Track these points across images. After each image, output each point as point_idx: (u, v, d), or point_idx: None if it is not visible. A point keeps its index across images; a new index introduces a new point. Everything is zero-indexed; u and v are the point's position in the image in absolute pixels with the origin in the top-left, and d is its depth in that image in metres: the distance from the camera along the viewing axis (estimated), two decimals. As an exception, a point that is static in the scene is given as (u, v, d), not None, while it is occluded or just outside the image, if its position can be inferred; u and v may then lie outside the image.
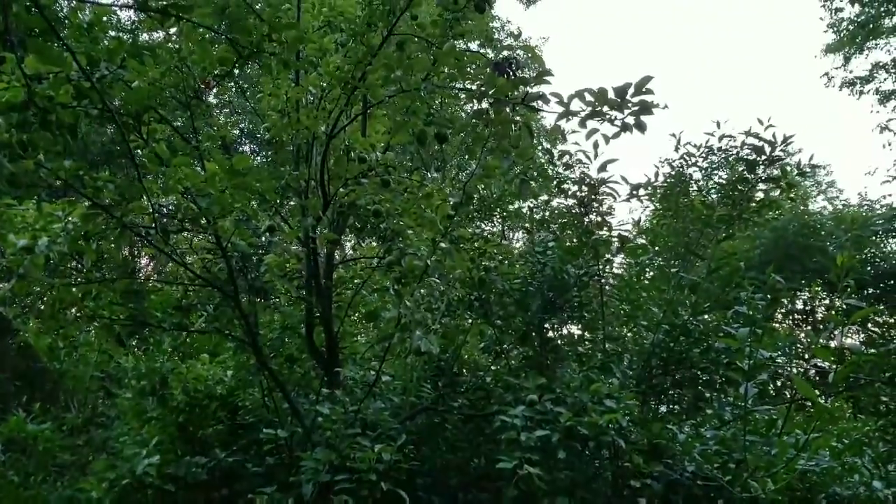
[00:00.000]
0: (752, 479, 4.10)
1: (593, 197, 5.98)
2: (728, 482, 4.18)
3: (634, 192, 5.97)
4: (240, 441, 5.57)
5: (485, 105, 4.23)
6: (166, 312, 5.70)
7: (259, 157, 17.86)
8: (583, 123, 3.78)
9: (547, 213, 7.30)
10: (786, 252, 14.58)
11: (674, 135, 7.84)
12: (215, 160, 4.81)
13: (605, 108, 3.72)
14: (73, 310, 5.49)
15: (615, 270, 6.64)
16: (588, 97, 3.73)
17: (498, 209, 9.82)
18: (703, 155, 7.78)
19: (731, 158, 6.52)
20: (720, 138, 7.12)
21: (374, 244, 7.96)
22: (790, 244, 14.77)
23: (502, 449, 4.47)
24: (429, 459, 5.50)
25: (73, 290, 5.29)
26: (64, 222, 5.02)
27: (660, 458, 4.43)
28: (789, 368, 5.17)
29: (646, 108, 3.61)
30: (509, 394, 5.35)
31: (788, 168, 6.02)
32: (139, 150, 4.97)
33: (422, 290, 4.88)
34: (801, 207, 16.07)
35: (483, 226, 9.96)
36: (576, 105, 3.79)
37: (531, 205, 8.17)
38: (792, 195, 6.22)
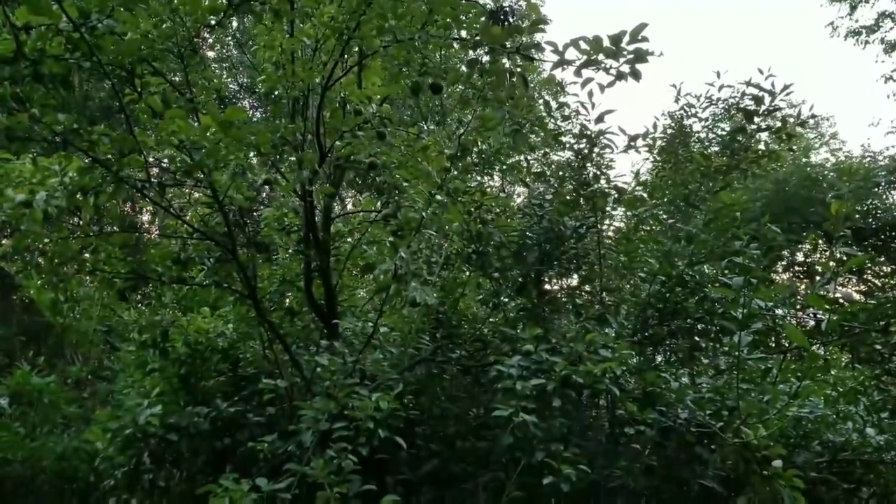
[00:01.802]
0: (744, 426, 4.16)
1: (591, 149, 5.94)
2: (720, 429, 4.25)
3: (633, 144, 5.92)
4: (241, 392, 5.66)
5: (480, 54, 4.18)
6: (166, 266, 5.72)
7: (258, 112, 17.72)
8: (578, 72, 3.75)
9: (545, 166, 7.28)
10: (787, 204, 14.53)
11: (674, 85, 7.77)
12: (210, 113, 4.78)
13: (601, 57, 3.68)
14: (73, 264, 5.52)
15: (613, 223, 6.65)
16: (583, 45, 3.69)
17: (497, 163, 9.77)
18: (704, 106, 7.72)
19: (730, 109, 6.46)
20: (720, 88, 7.06)
21: (371, 198, 7.95)
22: (791, 196, 14.72)
23: (499, 398, 4.53)
24: (427, 409, 5.59)
25: (72, 244, 5.31)
26: (61, 177, 5.02)
27: (653, 406, 4.50)
28: (787, 319, 5.20)
29: (641, 56, 3.58)
30: (506, 344, 5.41)
31: (790, 119, 5.97)
32: (133, 104, 4.94)
33: (419, 244, 4.90)
34: (803, 159, 15.98)
35: (481, 179, 9.93)
36: (571, 54, 3.76)
37: (529, 158, 8.11)
38: (793, 146, 6.18)
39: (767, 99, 5.69)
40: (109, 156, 4.65)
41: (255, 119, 15.81)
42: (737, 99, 6.08)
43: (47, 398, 7.40)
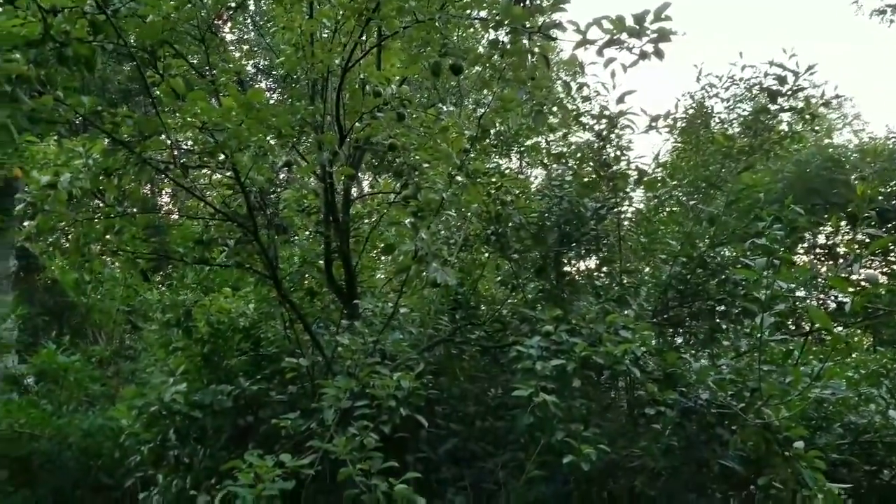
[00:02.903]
0: (765, 407, 4.16)
1: (611, 129, 5.90)
2: (741, 409, 4.25)
3: (654, 124, 5.88)
4: (263, 371, 5.72)
5: (501, 35, 4.16)
6: (188, 247, 5.79)
7: (275, 95, 17.72)
8: (600, 52, 3.73)
9: (564, 147, 7.25)
10: (808, 185, 14.38)
11: (696, 66, 7.70)
12: (231, 94, 4.81)
13: (623, 36, 3.66)
14: (97, 245, 5.60)
15: (633, 204, 6.62)
16: (606, 25, 3.67)
17: (515, 144, 9.74)
18: (726, 86, 7.65)
19: (752, 89, 6.39)
20: (742, 68, 6.98)
21: (390, 180, 7.95)
22: (813, 177, 14.56)
23: (518, 378, 4.56)
24: (447, 389, 5.63)
25: (97, 225, 5.38)
26: (85, 158, 5.08)
27: (674, 387, 4.50)
28: (808, 301, 5.17)
29: (664, 35, 3.55)
30: (525, 325, 5.42)
31: (813, 99, 5.90)
32: (155, 86, 4.97)
33: (439, 225, 4.90)
34: (826, 140, 15.77)
35: (500, 161, 9.90)
36: (594, 34, 3.74)
37: (548, 139, 8.08)
38: (816, 127, 6.11)
39: (791, 78, 5.62)
40: (132, 138, 4.70)
41: (272, 101, 15.82)
42: (759, 79, 6.00)
43: (72, 376, 7.54)
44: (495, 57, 4.28)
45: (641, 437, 4.78)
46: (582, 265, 6.63)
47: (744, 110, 7.16)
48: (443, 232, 6.20)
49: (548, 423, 4.25)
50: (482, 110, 5.49)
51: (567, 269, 6.40)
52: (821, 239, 15.57)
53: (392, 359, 5.04)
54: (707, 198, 6.04)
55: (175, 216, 7.69)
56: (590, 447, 4.06)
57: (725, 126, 7.22)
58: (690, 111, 7.83)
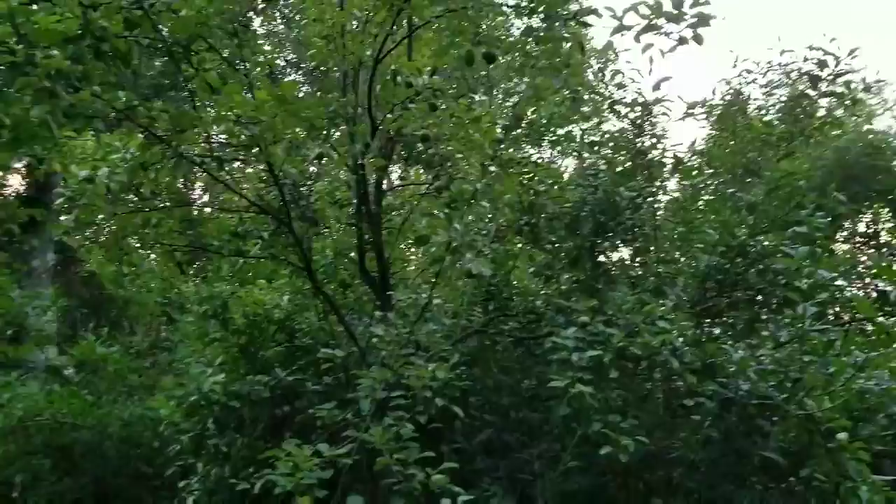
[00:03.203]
0: (807, 398, 4.08)
1: (647, 117, 5.82)
2: (783, 400, 4.17)
3: (690, 112, 5.79)
4: (298, 361, 5.76)
5: (534, 21, 4.12)
6: (223, 239, 5.84)
7: (304, 88, 17.77)
8: (637, 38, 3.67)
9: (598, 136, 7.17)
10: (848, 173, 14.03)
11: (732, 51, 7.55)
12: (263, 88, 4.83)
13: (661, 21, 3.59)
14: (135, 238, 5.68)
15: (670, 193, 6.52)
16: (643, 10, 3.60)
17: (548, 133, 9.65)
18: (763, 72, 7.51)
19: (791, 74, 6.26)
20: (781, 53, 6.84)
21: (422, 171, 7.94)
22: (853, 164, 14.21)
23: (554, 370, 4.52)
24: (481, 380, 5.62)
25: (134, 218, 5.45)
26: (122, 153, 5.14)
27: (713, 377, 4.43)
28: (849, 290, 5.05)
29: (703, 19, 3.48)
30: (560, 316, 5.38)
31: (854, 84, 5.76)
32: (190, 81, 5.00)
33: (470, 217, 4.87)
34: (866, 126, 15.38)
35: (533, 150, 9.83)
36: (630, 19, 3.68)
37: (582, 128, 8.00)
38: (856, 112, 5.97)
39: (832, 62, 5.50)
40: (167, 132, 4.74)
41: (301, 95, 15.87)
42: (798, 64, 5.88)
43: (112, 367, 7.68)
44: (529, 44, 4.23)
45: (679, 428, 4.72)
46: (617, 255, 6.56)
47: (781, 97, 7.01)
48: (476, 222, 6.17)
49: (584, 415, 4.22)
50: (512, 100, 5.46)
51: (602, 259, 6.33)
52: (861, 227, 15.21)
53: (426, 350, 5.04)
54: (746, 186, 5.93)
55: (209, 209, 7.77)
56: (627, 438, 4.02)
57: (763, 112, 7.08)
58: (727, 98, 7.69)
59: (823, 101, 5.82)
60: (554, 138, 10.38)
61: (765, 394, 4.28)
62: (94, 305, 13.91)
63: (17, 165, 11.64)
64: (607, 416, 4.23)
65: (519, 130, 5.81)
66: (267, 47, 16.90)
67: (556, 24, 3.99)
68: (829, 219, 4.17)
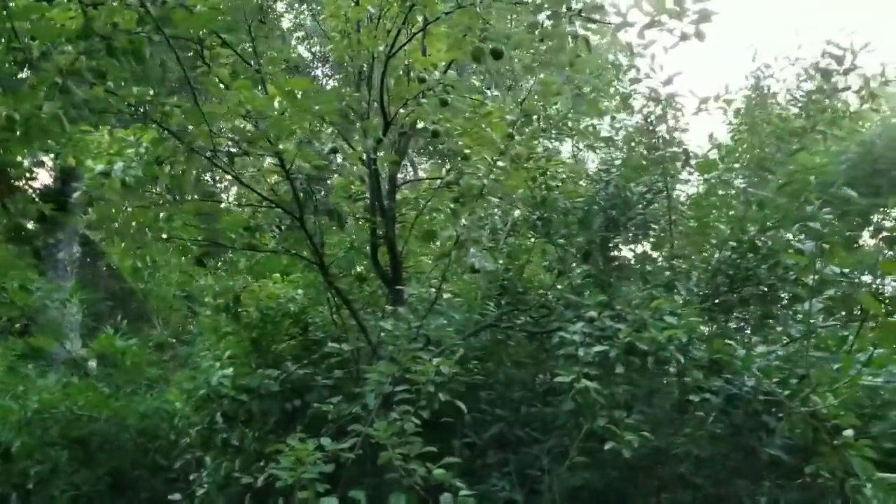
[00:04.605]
0: (813, 395, 4.04)
1: (663, 112, 5.78)
2: (787, 396, 4.13)
3: (703, 107, 5.74)
4: (310, 355, 5.81)
5: (541, 18, 4.11)
6: (237, 233, 5.91)
7: (331, 81, 17.79)
8: (640, 34, 3.66)
9: (612, 132, 7.13)
10: (874, 167, 13.76)
11: (751, 45, 7.46)
12: (275, 84, 4.87)
13: (664, 18, 3.58)
14: (151, 232, 5.76)
15: (683, 188, 6.48)
16: (646, 6, 3.59)
17: (565, 128, 9.57)
18: (782, 66, 7.41)
19: (807, 68, 6.17)
20: (798, 47, 6.74)
21: (435, 166, 7.94)
22: (878, 158, 13.93)
23: (561, 365, 4.53)
24: (493, 374, 5.63)
25: (149, 212, 5.54)
26: (136, 147, 5.23)
27: (719, 373, 4.41)
28: (871, 286, 4.96)
29: (705, 16, 3.46)
30: (570, 311, 5.38)
31: (872, 78, 5.65)
32: (203, 77, 5.06)
33: (479, 212, 4.89)
34: (893, 119, 15.08)
35: (551, 144, 9.76)
36: (633, 16, 3.67)
37: (597, 123, 7.96)
38: (878, 107, 5.86)
39: (849, 56, 5.40)
40: (180, 127, 4.80)
41: (328, 87, 15.91)
42: (817, 59, 5.78)
43: (130, 360, 7.79)
44: (536, 40, 4.23)
45: (686, 423, 4.70)
46: (630, 250, 6.53)
47: (800, 91, 6.90)
48: (487, 218, 6.18)
49: (589, 410, 4.22)
50: (532, 96, 5.45)
51: (614, 254, 6.31)
52: (887, 223, 14.91)
53: (436, 344, 5.06)
54: (761, 181, 5.86)
55: (223, 204, 7.86)
56: (632, 434, 4.01)
57: (782, 107, 6.98)
58: (745, 92, 7.60)
59: (842, 95, 5.72)
60: (571, 133, 10.30)
61: (769, 390, 4.24)
62: (121, 298, 14.11)
63: (44, 159, 11.82)
64: (613, 412, 4.23)
65: (533, 126, 5.79)
66: (294, 42, 16.96)
67: (562, 20, 3.98)
68: (839, 213, 4.11)
